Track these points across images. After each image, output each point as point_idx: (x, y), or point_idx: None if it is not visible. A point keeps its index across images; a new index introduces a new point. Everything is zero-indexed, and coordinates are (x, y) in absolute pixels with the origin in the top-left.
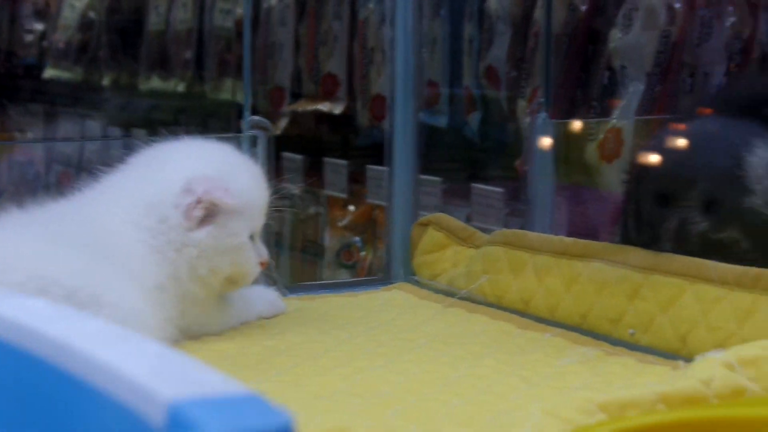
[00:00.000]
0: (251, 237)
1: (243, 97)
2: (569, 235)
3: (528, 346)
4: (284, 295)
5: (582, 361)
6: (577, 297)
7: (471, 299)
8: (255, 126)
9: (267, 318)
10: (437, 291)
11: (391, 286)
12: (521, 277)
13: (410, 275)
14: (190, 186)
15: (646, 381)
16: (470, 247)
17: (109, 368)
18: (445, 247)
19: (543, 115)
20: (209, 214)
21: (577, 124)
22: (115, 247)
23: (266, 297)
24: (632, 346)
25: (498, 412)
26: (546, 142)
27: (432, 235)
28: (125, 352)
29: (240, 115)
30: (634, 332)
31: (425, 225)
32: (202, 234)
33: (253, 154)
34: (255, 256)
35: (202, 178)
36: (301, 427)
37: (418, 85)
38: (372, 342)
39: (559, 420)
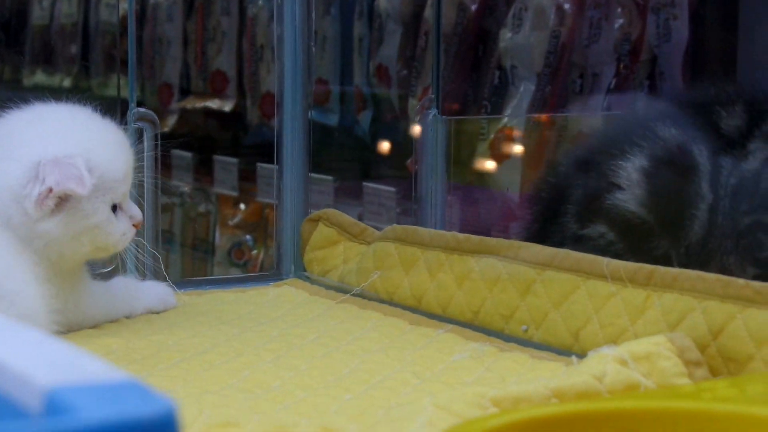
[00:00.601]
0: (115, 206)
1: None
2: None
3: (420, 342)
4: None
5: (474, 357)
6: (469, 293)
7: (363, 296)
8: (140, 118)
9: (157, 312)
10: (328, 287)
11: (281, 282)
12: (413, 274)
13: (301, 271)
14: (40, 173)
15: (539, 376)
16: (361, 243)
17: None
18: (335, 243)
19: (433, 111)
20: (61, 202)
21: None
22: None
23: (156, 291)
24: (525, 342)
25: (389, 406)
26: (436, 138)
27: (322, 231)
28: (4, 339)
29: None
30: (526, 328)
31: (315, 221)
32: (51, 225)
33: (139, 149)
34: (119, 226)
35: (53, 163)
36: (187, 423)
37: (307, 83)
38: (261, 337)
39: (451, 414)
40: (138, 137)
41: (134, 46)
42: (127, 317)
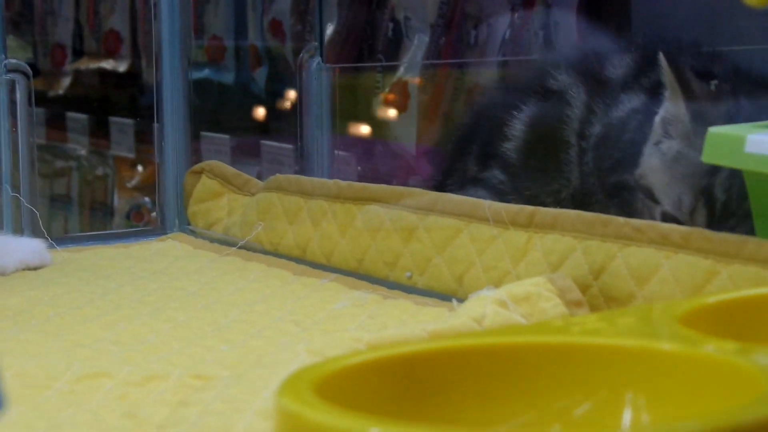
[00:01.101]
0: None
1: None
2: None
3: (302, 292)
4: (51, 246)
5: (357, 304)
6: (352, 241)
7: (247, 247)
8: (13, 70)
9: (32, 268)
10: (213, 240)
11: (165, 236)
12: (297, 224)
13: (185, 225)
14: None
15: (421, 322)
16: (246, 195)
17: None
18: (219, 195)
19: (317, 59)
20: None
21: (359, 78)
22: None
23: (30, 246)
24: (409, 289)
25: (266, 354)
26: (321, 88)
27: (206, 183)
28: None
29: None
30: (410, 275)
31: (198, 173)
32: None
33: (11, 101)
34: None
35: None
36: (56, 375)
37: (186, 39)
38: (140, 291)
39: (325, 359)
40: (10, 90)
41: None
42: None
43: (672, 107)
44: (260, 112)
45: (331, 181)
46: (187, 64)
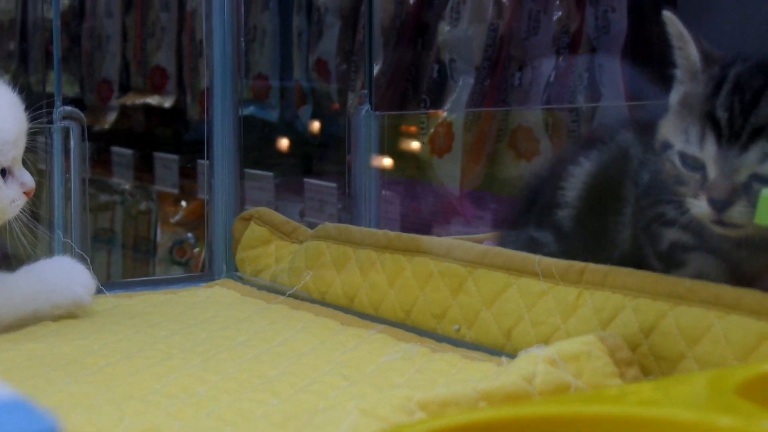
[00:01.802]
0: (5, 171)
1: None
2: (402, 230)
3: (351, 343)
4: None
5: (405, 358)
6: (400, 292)
7: (295, 296)
8: (67, 117)
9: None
10: (260, 287)
11: (213, 283)
12: (345, 273)
13: (233, 271)
14: None
15: (468, 378)
16: (294, 242)
17: None
18: (268, 242)
19: (366, 107)
20: None
21: (405, 119)
22: None
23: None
24: (457, 342)
25: (316, 411)
26: (369, 134)
27: (254, 230)
28: None
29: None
30: (458, 328)
31: (247, 219)
32: None
33: (66, 146)
34: (8, 192)
35: None
36: (107, 430)
37: (237, 77)
38: (189, 340)
39: (376, 419)
40: (65, 136)
41: (59, 41)
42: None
43: None
44: (304, 150)
45: (380, 231)
46: (237, 102)
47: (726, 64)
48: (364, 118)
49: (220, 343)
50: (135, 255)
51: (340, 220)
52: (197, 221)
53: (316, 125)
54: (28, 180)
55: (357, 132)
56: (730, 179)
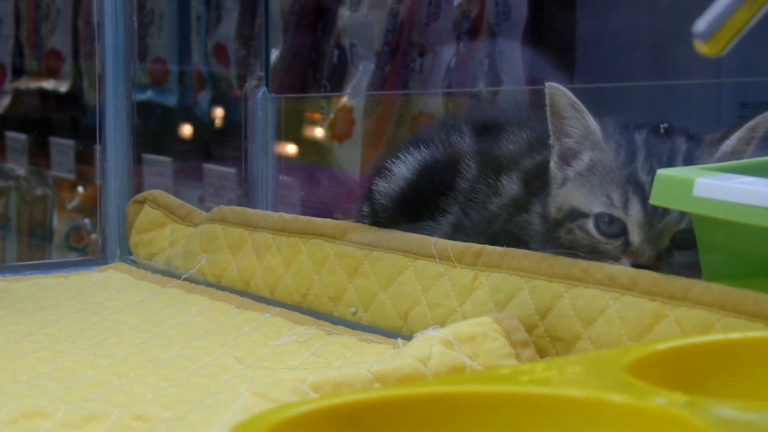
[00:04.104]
0: None
1: None
2: (303, 215)
3: (246, 326)
4: None
5: (300, 340)
6: (297, 275)
7: (190, 279)
8: None
9: None
10: (155, 271)
11: (106, 266)
12: (241, 256)
13: (127, 255)
14: None
15: (363, 360)
16: (189, 225)
17: None
18: (162, 225)
19: (262, 89)
20: None
21: (306, 104)
22: None
23: None
24: (354, 325)
25: (207, 394)
26: (266, 117)
27: (148, 213)
28: None
29: None
30: (355, 311)
31: (141, 203)
32: None
33: None
34: None
35: None
36: None
37: (130, 61)
38: (79, 324)
39: (268, 400)
40: None
41: None
42: None
43: None
44: (204, 135)
45: (276, 214)
46: (130, 86)
47: (625, 131)
48: (261, 101)
49: (111, 327)
50: (30, 241)
51: (239, 205)
52: (94, 207)
53: (215, 110)
54: None
55: (253, 115)
56: (654, 244)
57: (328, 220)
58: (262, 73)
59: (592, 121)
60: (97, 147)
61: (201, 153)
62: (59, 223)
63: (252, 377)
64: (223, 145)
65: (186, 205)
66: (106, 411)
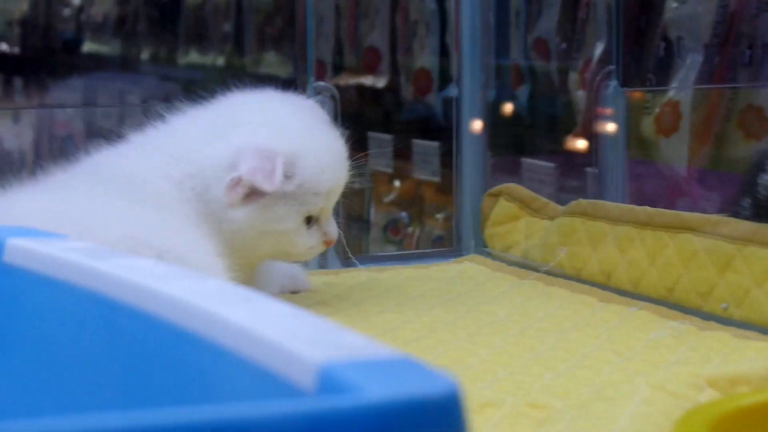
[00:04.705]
0: (310, 218)
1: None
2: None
3: (613, 320)
4: (354, 265)
5: (673, 335)
6: (662, 269)
7: (548, 272)
8: (320, 92)
9: (289, 292)
10: (510, 263)
11: (462, 258)
12: (601, 249)
13: (481, 247)
14: (237, 160)
15: (747, 356)
16: (544, 218)
17: (242, 328)
18: (517, 218)
19: (613, 83)
20: (253, 194)
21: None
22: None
23: (288, 271)
24: (725, 321)
25: (595, 385)
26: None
27: (503, 206)
28: (256, 311)
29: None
30: (726, 306)
31: (496, 196)
32: (240, 214)
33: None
34: (308, 239)
35: (252, 152)
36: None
37: (484, 58)
38: (451, 314)
39: (668, 394)
40: None
41: (312, 18)
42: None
43: None
44: (522, 130)
45: (639, 208)
46: (484, 85)
47: None
48: (612, 95)
49: (481, 317)
50: (349, 233)
51: (558, 201)
52: (411, 201)
53: (533, 105)
54: (332, 231)
55: (602, 109)
56: None
57: (697, 214)
58: (613, 67)
59: None
60: (453, 143)
61: (518, 147)
62: (377, 216)
63: (636, 370)
64: (540, 140)
65: (540, 199)
66: (499, 398)
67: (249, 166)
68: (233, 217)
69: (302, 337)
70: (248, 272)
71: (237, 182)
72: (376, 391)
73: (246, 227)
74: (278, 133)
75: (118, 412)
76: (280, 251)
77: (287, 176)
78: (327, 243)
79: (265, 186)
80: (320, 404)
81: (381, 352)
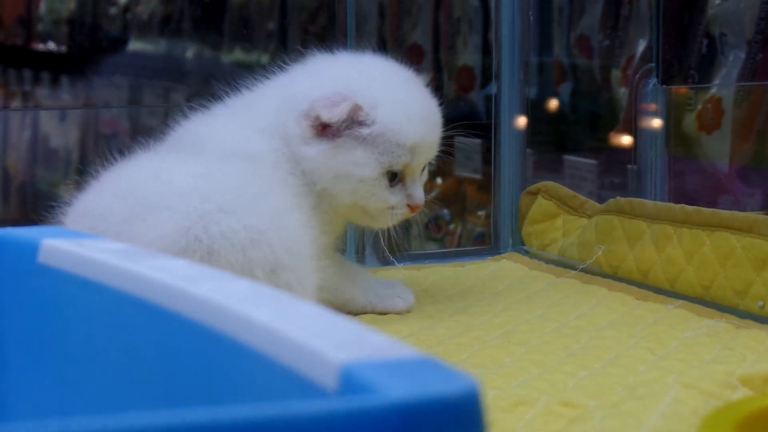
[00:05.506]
0: (395, 176)
1: None
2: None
3: (649, 318)
4: (392, 264)
5: (709, 333)
6: (699, 268)
7: (585, 270)
8: None
9: (398, 313)
10: (548, 261)
11: (499, 256)
12: (638, 248)
13: (519, 245)
14: (313, 98)
15: None
16: (581, 216)
17: (268, 329)
18: (555, 216)
19: (653, 80)
20: (324, 129)
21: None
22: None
23: (400, 292)
24: (762, 319)
25: (629, 383)
26: (657, 109)
27: (541, 204)
28: (282, 312)
29: None
30: (763, 304)
31: (534, 194)
32: (315, 151)
33: None
34: (389, 197)
35: (331, 93)
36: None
37: (524, 55)
38: (487, 312)
39: (700, 392)
40: None
41: (353, 16)
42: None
43: None
44: (563, 127)
45: (677, 206)
46: (525, 81)
47: None
48: (651, 92)
49: (517, 315)
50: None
51: (599, 198)
52: (453, 198)
53: (575, 102)
54: (417, 194)
55: (642, 106)
56: None
57: (735, 212)
58: (653, 64)
59: None
60: (491, 141)
61: (560, 145)
62: (418, 214)
63: (670, 369)
64: (582, 137)
65: (579, 197)
66: (532, 397)
67: (317, 100)
68: (307, 154)
69: (326, 337)
70: (339, 228)
71: (305, 115)
72: (397, 391)
73: (322, 167)
74: (359, 82)
75: (145, 412)
76: (359, 205)
77: (365, 123)
78: (411, 207)
79: (324, 114)
80: (340, 404)
81: (403, 352)
